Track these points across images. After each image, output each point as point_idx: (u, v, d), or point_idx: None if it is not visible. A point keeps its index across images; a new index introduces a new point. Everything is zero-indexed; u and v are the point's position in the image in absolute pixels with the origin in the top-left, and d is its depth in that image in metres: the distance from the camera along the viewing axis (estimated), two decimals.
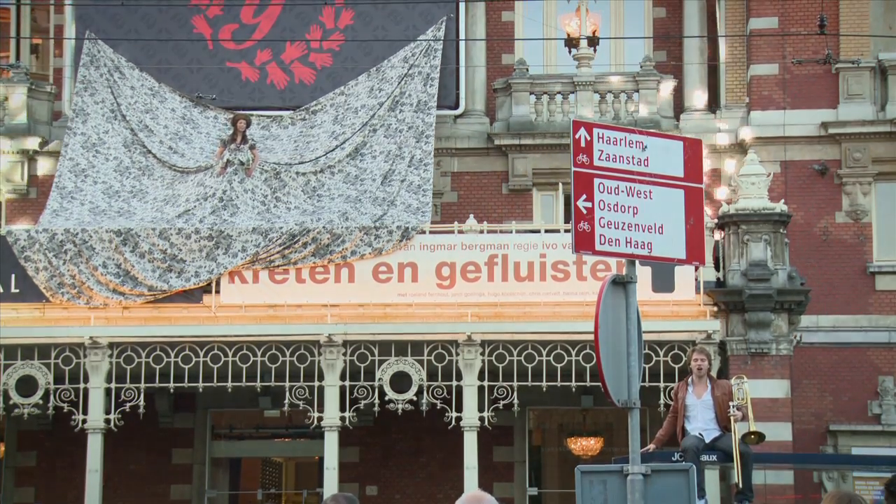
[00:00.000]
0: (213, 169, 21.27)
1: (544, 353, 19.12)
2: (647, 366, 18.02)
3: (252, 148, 21.37)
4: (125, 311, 19.86)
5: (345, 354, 19.41)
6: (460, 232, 19.92)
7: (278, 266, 19.78)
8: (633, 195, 9.14)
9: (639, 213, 9.14)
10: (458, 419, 19.27)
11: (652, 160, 9.26)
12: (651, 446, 13.74)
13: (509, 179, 24.10)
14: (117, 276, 19.79)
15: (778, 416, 19.30)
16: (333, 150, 22.28)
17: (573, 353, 18.98)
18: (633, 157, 9.20)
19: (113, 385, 19.52)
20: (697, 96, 24.21)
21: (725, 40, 24.09)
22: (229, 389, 19.64)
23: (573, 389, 19.68)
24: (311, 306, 19.71)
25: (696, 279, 19.21)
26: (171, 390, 20.22)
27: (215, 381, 19.46)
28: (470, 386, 19.26)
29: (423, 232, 19.93)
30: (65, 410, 19.53)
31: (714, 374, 16.20)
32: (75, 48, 23.98)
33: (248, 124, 21.75)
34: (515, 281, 19.46)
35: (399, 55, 23.33)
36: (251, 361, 19.32)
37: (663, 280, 18.97)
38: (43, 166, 24.17)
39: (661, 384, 18.84)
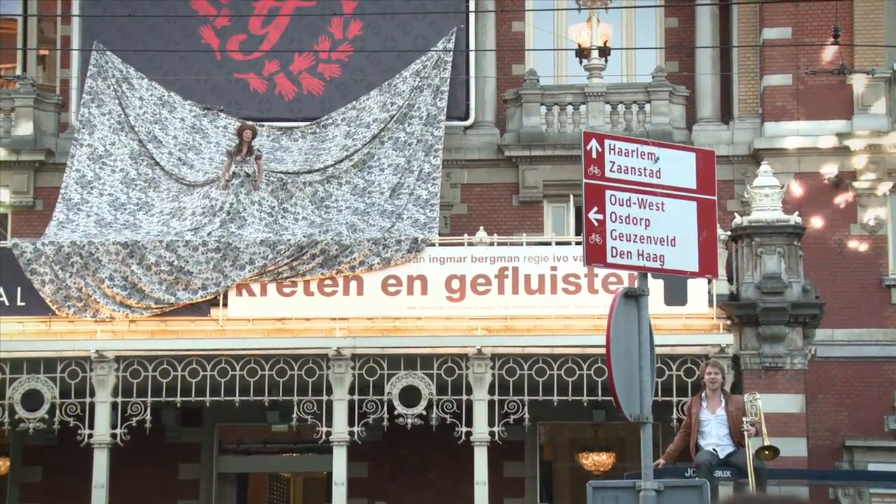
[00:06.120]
0: (219, 181, 21.11)
1: (555, 366, 18.97)
2: (659, 380, 17.83)
3: (258, 159, 21.15)
4: (132, 324, 19.77)
5: (353, 368, 19.28)
6: (470, 244, 19.78)
7: (286, 278, 19.63)
8: (644, 207, 9.05)
9: (651, 225, 9.05)
10: (468, 434, 19.12)
11: (664, 172, 9.18)
12: (661, 461, 13.62)
13: (520, 191, 23.95)
14: (124, 289, 19.65)
15: (793, 432, 19.10)
16: (342, 160, 22.17)
17: (584, 366, 18.83)
18: (644, 169, 9.12)
19: (119, 399, 19.42)
20: (710, 107, 24.04)
21: (738, 51, 23.93)
22: (237, 404, 19.51)
23: (585, 404, 19.53)
24: (319, 319, 19.60)
25: (708, 292, 19.08)
26: (178, 404, 20.07)
27: (222, 395, 19.34)
28: (480, 400, 19.12)
29: (433, 244, 19.80)
30: (71, 425, 19.44)
31: (728, 388, 16.04)
32: (82, 59, 23.88)
33: (255, 134, 21.47)
34: (526, 294, 19.32)
35: (411, 68, 23.18)
36: (259, 375, 19.22)
37: (676, 293, 19.03)
38: (49, 178, 24.07)
39: (674, 399, 18.68)
